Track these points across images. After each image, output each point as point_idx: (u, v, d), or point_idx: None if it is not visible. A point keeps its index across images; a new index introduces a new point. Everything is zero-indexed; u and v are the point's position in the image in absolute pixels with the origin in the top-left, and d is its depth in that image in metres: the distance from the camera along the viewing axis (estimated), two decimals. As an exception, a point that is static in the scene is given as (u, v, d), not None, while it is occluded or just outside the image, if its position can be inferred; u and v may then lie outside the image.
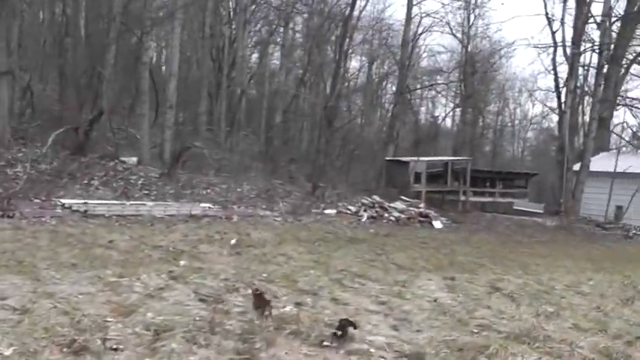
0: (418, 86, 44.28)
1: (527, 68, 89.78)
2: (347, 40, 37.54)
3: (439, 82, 45.78)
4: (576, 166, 34.35)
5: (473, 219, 27.94)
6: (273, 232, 17.66)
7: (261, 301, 7.51)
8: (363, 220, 22.67)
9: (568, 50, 34.95)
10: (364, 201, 24.21)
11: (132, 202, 19.86)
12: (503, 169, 39.21)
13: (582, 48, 35.36)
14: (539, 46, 38.59)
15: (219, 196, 23.76)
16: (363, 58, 52.69)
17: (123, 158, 26.84)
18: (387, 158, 32.72)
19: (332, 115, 36.25)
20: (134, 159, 27.85)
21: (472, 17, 47.93)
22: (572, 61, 33.94)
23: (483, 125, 55.90)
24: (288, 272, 11.68)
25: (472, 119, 52.16)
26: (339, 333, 7.06)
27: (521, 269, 15.40)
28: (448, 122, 58.65)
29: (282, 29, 47.91)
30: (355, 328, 7.22)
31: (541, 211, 34.59)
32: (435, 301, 10.20)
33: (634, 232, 29.93)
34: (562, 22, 35.36)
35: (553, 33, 35.94)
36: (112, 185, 22.84)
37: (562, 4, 35.96)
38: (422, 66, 52.23)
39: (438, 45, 59.24)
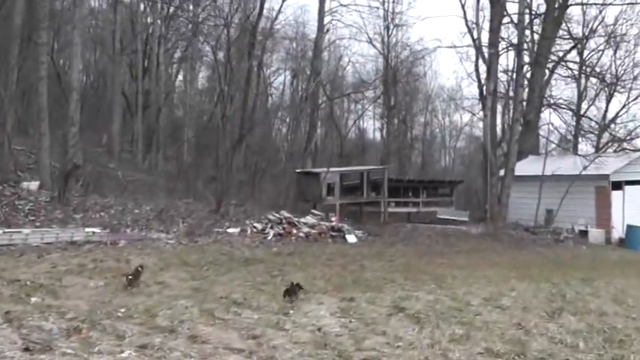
0: (335, 95, 42.22)
1: (451, 77, 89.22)
2: (254, 48, 35.94)
3: (353, 92, 43.62)
4: (503, 172, 33.14)
5: (392, 231, 26.30)
6: (158, 256, 15.71)
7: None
8: (269, 237, 20.82)
9: (486, 52, 33.77)
10: (271, 217, 22.31)
11: (5, 231, 17.62)
12: (425, 177, 37.77)
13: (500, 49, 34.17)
14: (457, 48, 37.42)
15: (114, 219, 21.62)
16: (287, 73, 51.05)
17: (25, 182, 24.63)
18: (298, 170, 30.83)
19: (247, 127, 34.58)
20: (36, 183, 25.64)
21: (391, 27, 46.46)
22: (490, 62, 32.68)
23: (411, 136, 54.63)
24: (154, 304, 10.10)
25: (399, 130, 50.92)
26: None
27: (435, 283, 13.79)
28: (377, 135, 57.10)
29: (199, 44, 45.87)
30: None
31: (466, 219, 33.08)
32: (319, 330, 8.67)
33: (565, 235, 28.73)
34: (476, 24, 34.21)
35: (472, 37, 34.87)
36: (-1, 213, 20.52)
37: (475, 4, 34.75)
38: (347, 79, 50.96)
39: (361, 56, 57.10)
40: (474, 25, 34.83)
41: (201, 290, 11.71)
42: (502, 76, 41.43)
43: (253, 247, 18.89)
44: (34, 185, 24.80)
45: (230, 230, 21.21)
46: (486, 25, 34.38)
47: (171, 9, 44.02)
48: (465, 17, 35.17)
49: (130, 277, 11.82)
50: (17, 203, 21.68)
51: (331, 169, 28.46)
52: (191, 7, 44.19)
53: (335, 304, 10.80)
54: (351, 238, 22.10)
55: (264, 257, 16.75)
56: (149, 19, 44.78)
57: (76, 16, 30.71)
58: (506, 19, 34.44)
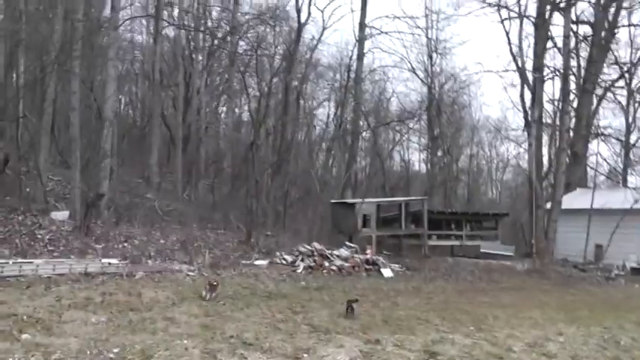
0: (371, 125, 40.78)
1: (496, 107, 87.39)
2: (291, 77, 35.05)
3: (394, 121, 41.98)
4: (549, 205, 31.43)
5: (432, 265, 24.77)
6: (174, 289, 14.56)
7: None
8: (299, 271, 19.52)
9: (530, 78, 32.26)
10: (302, 249, 21.02)
11: (15, 261, 16.61)
12: (470, 209, 36.18)
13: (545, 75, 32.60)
14: (499, 72, 35.83)
15: (137, 249, 20.55)
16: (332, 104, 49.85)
17: (55, 213, 23.91)
18: (333, 201, 29.52)
19: (283, 157, 33.52)
20: (65, 213, 24.93)
21: (434, 55, 45.14)
22: (535, 88, 31.15)
23: (457, 168, 52.92)
24: (154, 344, 9.17)
25: (444, 162, 49.35)
26: None
27: (474, 325, 12.41)
28: (423, 167, 55.38)
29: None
30: None
31: (512, 254, 31.38)
32: (332, 379, 7.35)
33: (616, 272, 26.85)
34: (519, 47, 32.66)
35: (516, 63, 33.34)
36: (14, 242, 19.65)
37: (518, 29, 33.24)
38: (392, 109, 49.54)
39: (405, 86, 55.65)
40: (518, 50, 33.22)
41: (211, 328, 10.67)
42: (548, 107, 39.80)
43: (280, 280, 17.61)
44: (63, 215, 24.17)
45: (258, 262, 20.00)
46: (531, 53, 32.88)
47: (215, 41, 43.29)
48: (508, 42, 33.66)
49: (209, 287, 13.43)
50: (37, 233, 20.80)
51: (367, 200, 27.18)
52: (229, 38, 43.40)
53: (358, 347, 9.61)
54: (386, 272, 20.70)
55: (289, 292, 15.48)
56: (192, 49, 44.06)
57: (110, 45, 30.10)
58: (550, 44, 32.92)
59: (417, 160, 56.41)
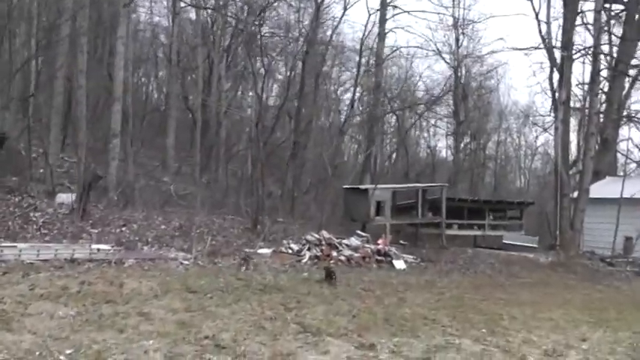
0: (394, 107, 39.01)
1: (524, 92, 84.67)
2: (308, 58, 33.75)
3: (416, 103, 40.07)
4: (576, 193, 29.77)
5: (450, 257, 23.39)
6: (161, 280, 13.39)
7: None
8: (304, 261, 18.26)
9: (558, 57, 30.44)
10: (309, 237, 19.67)
11: (-2, 245, 15.60)
12: (495, 198, 34.61)
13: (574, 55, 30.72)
14: (525, 50, 33.86)
15: (135, 234, 19.47)
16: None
17: (60, 195, 23.09)
18: (345, 186, 28.11)
19: (299, 141, 32.24)
20: (72, 195, 23.97)
21: (461, 38, 43.40)
22: (563, 67, 29.32)
23: (484, 155, 51.15)
24: (116, 344, 8.17)
25: (470, 148, 47.77)
26: None
27: (487, 326, 11.11)
28: (450, 154, 53.63)
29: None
30: None
31: (535, 246, 29.77)
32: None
33: (646, 267, 25.13)
34: (547, 23, 30.77)
35: (544, 40, 31.41)
36: (6, 224, 18.76)
37: (547, 6, 31.36)
38: (419, 95, 47.70)
39: (432, 71, 53.62)
40: (547, 29, 31.36)
41: (188, 326, 9.52)
42: (578, 92, 37.82)
43: (281, 271, 16.36)
44: (69, 198, 23.08)
45: (261, 251, 18.78)
46: (560, 35, 31.05)
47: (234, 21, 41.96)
48: (537, 20, 31.79)
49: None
50: (32, 215, 19.87)
51: (381, 186, 25.75)
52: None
53: (346, 353, 8.37)
54: (398, 264, 19.35)
55: (287, 284, 14.21)
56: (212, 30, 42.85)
57: (120, 22, 29.14)
58: (579, 21, 31.06)
59: (444, 147, 54.48)
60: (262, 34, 38.94)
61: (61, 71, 29.59)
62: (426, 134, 54.55)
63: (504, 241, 29.65)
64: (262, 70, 36.22)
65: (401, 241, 26.49)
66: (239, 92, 52.53)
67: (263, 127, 24.74)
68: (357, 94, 41.90)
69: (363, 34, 35.57)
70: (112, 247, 16.97)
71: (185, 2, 39.55)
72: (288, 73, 40.03)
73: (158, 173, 37.48)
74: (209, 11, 39.41)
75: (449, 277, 18.57)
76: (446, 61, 42.85)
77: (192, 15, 44.48)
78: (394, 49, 38.58)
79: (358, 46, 39.05)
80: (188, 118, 45.75)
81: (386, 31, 35.22)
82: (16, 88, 32.38)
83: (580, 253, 27.35)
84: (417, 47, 41.05)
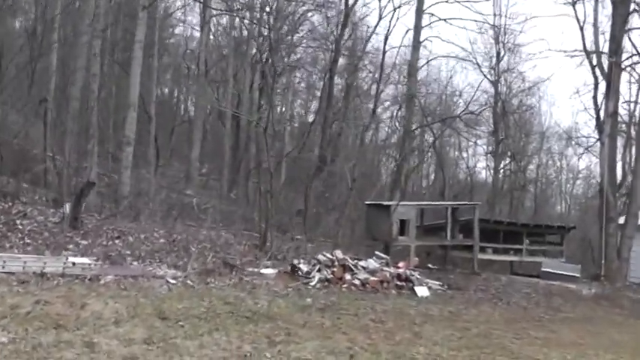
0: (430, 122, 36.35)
1: (566, 112, 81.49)
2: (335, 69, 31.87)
3: (449, 117, 37.29)
4: (623, 219, 27.20)
5: (481, 284, 20.98)
6: (133, 302, 11.37)
7: None
8: (312, 283, 16.05)
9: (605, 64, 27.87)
10: (321, 257, 17.42)
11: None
12: (531, 221, 32.06)
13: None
14: (567, 52, 31.31)
15: (128, 247, 17.50)
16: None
17: (68, 204, 21.29)
18: (368, 202, 25.80)
19: (324, 155, 30.16)
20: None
21: (502, 51, 40.90)
22: (610, 75, 26.78)
23: (525, 177, 48.39)
24: None
25: (510, 169, 45.21)
26: None
27: (517, 374, 8.77)
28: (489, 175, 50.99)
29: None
30: None
31: (577, 275, 27.12)
32: None
33: None
34: (595, 27, 28.26)
35: (584, 43, 28.87)
36: (-12, 233, 16.97)
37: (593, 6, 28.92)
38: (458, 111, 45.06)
39: (470, 85, 50.66)
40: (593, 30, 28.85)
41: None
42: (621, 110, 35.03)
43: (281, 295, 14.16)
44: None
45: (264, 271, 16.64)
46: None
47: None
48: (580, 28, 29.44)
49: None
50: (19, 223, 18.01)
51: (405, 202, 23.48)
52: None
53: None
54: (421, 291, 17.00)
55: (281, 312, 12.06)
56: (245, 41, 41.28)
57: (138, 26, 27.59)
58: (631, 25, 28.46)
59: (484, 167, 51.88)
60: (294, 43, 37.51)
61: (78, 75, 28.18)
62: (465, 154, 52.22)
63: (543, 269, 27.05)
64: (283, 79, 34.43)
65: (429, 265, 24.30)
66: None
67: (274, 135, 22.53)
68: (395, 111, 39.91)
69: (388, 30, 33.29)
70: (95, 260, 14.98)
71: (215, 9, 38.04)
72: (322, 85, 38.12)
73: (182, 185, 35.93)
74: (242, 21, 37.71)
75: (477, 308, 16.11)
76: (485, 75, 40.31)
77: (224, 21, 43.21)
78: (429, 58, 36.34)
79: (396, 60, 37.29)
80: (218, 131, 44.36)
81: (421, 40, 32.94)
82: (35, 92, 31.54)
83: (627, 284, 24.82)
84: (454, 57, 38.45)
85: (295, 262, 17.95)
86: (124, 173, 26.34)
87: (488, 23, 37.35)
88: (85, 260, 14.65)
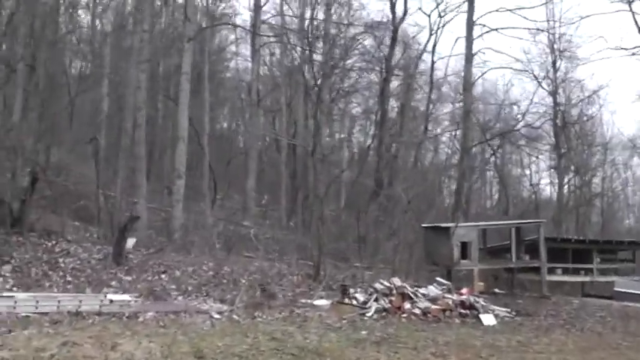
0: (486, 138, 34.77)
1: (629, 120, 78.28)
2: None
3: (506, 131, 35.51)
4: None
5: (552, 309, 19.46)
6: (169, 341, 10.45)
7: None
8: (369, 314, 14.91)
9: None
10: (378, 286, 16.27)
11: (-2, 296, 13.10)
12: (600, 237, 30.22)
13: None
14: (628, 50, 29.47)
15: (174, 282, 16.69)
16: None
17: None
18: (425, 224, 24.44)
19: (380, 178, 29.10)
20: (132, 240, 21.74)
21: (559, 61, 39.14)
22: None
23: (590, 192, 46.31)
24: None
25: (575, 184, 43.29)
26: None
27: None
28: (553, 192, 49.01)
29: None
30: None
31: (656, 295, 25.19)
32: None
33: None
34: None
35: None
36: (30, 271, 16.39)
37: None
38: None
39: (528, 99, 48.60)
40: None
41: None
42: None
43: (334, 328, 13.05)
44: (130, 243, 20.86)
45: (318, 302, 15.58)
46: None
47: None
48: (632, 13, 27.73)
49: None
50: (61, 261, 17.42)
51: (464, 224, 22.13)
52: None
53: None
54: (487, 319, 15.67)
55: (332, 347, 10.97)
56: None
57: (184, 58, 27.28)
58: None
59: (547, 184, 49.92)
60: (345, 67, 36.72)
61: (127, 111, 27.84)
62: (527, 171, 50.59)
63: (616, 289, 25.25)
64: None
65: (495, 290, 22.86)
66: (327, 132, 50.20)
67: (323, 158, 21.50)
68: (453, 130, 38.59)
69: (435, 41, 31.93)
70: (136, 297, 14.18)
71: (265, 34, 37.55)
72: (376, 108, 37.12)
73: (239, 217, 35.21)
74: (289, 45, 37.12)
75: (549, 336, 14.63)
76: (542, 86, 38.53)
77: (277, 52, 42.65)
78: (484, 71, 34.86)
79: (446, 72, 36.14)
80: (275, 161, 43.67)
81: (473, 52, 31.61)
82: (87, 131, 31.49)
83: None
84: (509, 68, 36.85)
85: (352, 291, 16.89)
86: (175, 206, 25.85)
87: (541, 30, 35.58)
88: (125, 297, 13.88)
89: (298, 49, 35.17)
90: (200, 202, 30.69)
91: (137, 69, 26.24)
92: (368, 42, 35.61)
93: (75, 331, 10.90)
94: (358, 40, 35.39)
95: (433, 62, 30.32)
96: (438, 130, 45.05)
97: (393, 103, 37.53)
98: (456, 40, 32.65)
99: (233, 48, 46.95)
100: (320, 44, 35.22)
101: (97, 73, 32.66)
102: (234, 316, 13.30)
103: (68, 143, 30.71)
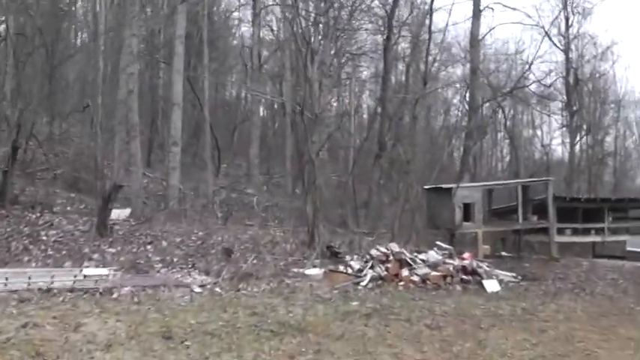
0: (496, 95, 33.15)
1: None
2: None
3: (515, 88, 33.92)
4: None
5: (559, 271, 18.51)
6: (140, 319, 9.62)
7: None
8: (364, 283, 13.99)
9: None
10: (374, 252, 15.34)
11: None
12: (612, 195, 29.15)
13: None
14: None
15: (160, 254, 15.82)
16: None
17: (115, 210, 20.03)
18: (427, 186, 23.38)
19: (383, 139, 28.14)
20: (126, 211, 21.08)
21: (571, 16, 37.78)
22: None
23: (602, 151, 45.12)
24: None
25: (587, 143, 42.14)
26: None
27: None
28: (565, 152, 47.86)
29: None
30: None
31: (670, 254, 24.15)
32: None
33: None
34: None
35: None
36: (11, 245, 15.60)
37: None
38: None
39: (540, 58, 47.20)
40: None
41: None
42: None
43: (323, 300, 12.13)
44: (124, 213, 20.89)
45: (309, 271, 14.66)
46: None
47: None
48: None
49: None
50: (44, 234, 16.56)
51: (468, 184, 21.10)
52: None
53: None
54: (490, 286, 14.73)
55: (317, 321, 10.11)
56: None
57: (178, 21, 26.82)
58: None
59: (559, 144, 48.76)
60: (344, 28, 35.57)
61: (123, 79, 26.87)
62: (539, 132, 49.55)
63: (628, 249, 24.21)
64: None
65: (503, 253, 21.93)
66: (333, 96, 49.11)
67: (315, 118, 20.37)
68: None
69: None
70: (115, 270, 13.32)
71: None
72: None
73: (243, 184, 34.42)
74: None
75: (556, 301, 13.67)
76: (554, 43, 37.17)
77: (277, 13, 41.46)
78: (491, 27, 33.53)
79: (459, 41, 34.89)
80: (281, 127, 42.76)
81: (481, 7, 30.10)
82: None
83: None
84: (519, 23, 35.50)
85: (347, 258, 16.02)
86: (171, 174, 25.16)
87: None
88: (102, 271, 12.99)
89: (301, 10, 34.07)
90: (203, 170, 30.03)
91: (129, 33, 25.20)
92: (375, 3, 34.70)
93: (41, 310, 10.06)
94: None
95: (432, 10, 28.86)
96: (449, 93, 44.12)
97: (402, 67, 36.45)
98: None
99: (239, 14, 45.82)
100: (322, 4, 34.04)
101: (92, 39, 31.66)
102: (217, 289, 12.42)
103: (63, 112, 30.01)
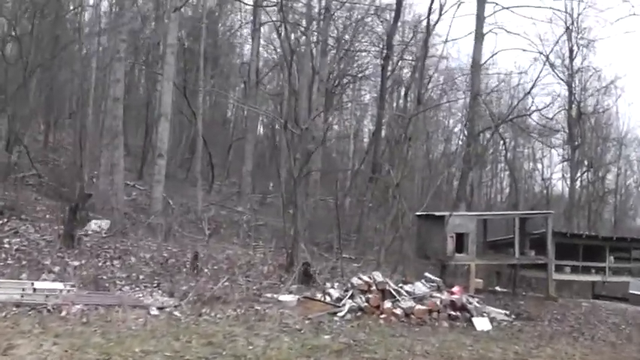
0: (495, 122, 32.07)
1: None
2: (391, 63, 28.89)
3: (517, 116, 32.74)
4: None
5: (557, 311, 17.28)
6: (76, 343, 8.43)
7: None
8: (341, 314, 12.77)
9: None
10: (356, 281, 14.14)
11: None
12: (614, 234, 28.10)
13: None
14: None
15: (126, 270, 14.69)
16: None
17: (95, 221, 19.60)
18: (418, 213, 22.14)
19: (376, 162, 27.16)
20: (107, 222, 20.04)
21: (575, 48, 36.86)
22: None
23: (603, 187, 44.35)
24: None
25: (588, 179, 41.68)
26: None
27: None
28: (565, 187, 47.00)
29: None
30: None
31: (675, 298, 22.99)
32: None
33: None
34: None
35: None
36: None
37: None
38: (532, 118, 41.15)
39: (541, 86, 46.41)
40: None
41: None
42: None
43: (292, 330, 10.90)
44: (105, 224, 19.83)
45: (283, 298, 13.46)
46: None
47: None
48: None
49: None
50: (7, 242, 15.45)
51: (460, 213, 19.94)
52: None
53: None
54: (480, 324, 13.51)
55: (279, 357, 8.93)
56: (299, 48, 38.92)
57: (169, 30, 25.92)
58: None
59: (560, 178, 47.99)
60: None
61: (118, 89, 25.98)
62: (540, 165, 49.13)
63: (631, 291, 23.08)
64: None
65: (497, 288, 20.78)
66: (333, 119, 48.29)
67: (301, 135, 19.36)
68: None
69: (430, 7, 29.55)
70: (72, 286, 12.14)
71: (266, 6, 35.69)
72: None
73: (234, 202, 33.50)
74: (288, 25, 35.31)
75: (553, 346, 12.37)
76: (556, 73, 36.30)
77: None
78: (494, 52, 32.66)
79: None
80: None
81: (484, 32, 29.20)
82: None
83: None
84: (521, 49, 34.63)
85: (328, 285, 14.84)
86: (155, 187, 24.29)
87: (558, 10, 33.39)
88: (56, 285, 11.81)
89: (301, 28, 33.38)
90: (195, 185, 29.28)
91: (119, 38, 24.36)
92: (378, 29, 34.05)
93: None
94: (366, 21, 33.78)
95: (429, 25, 28.03)
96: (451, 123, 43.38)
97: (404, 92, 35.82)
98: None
99: (243, 32, 45.43)
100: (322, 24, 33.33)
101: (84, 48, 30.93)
102: (176, 313, 11.22)
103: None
